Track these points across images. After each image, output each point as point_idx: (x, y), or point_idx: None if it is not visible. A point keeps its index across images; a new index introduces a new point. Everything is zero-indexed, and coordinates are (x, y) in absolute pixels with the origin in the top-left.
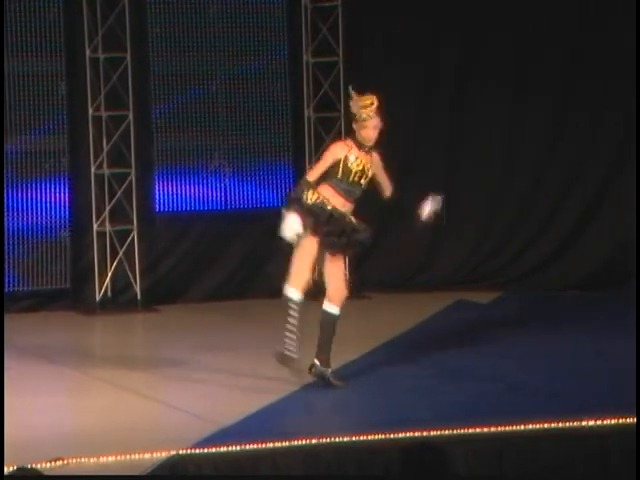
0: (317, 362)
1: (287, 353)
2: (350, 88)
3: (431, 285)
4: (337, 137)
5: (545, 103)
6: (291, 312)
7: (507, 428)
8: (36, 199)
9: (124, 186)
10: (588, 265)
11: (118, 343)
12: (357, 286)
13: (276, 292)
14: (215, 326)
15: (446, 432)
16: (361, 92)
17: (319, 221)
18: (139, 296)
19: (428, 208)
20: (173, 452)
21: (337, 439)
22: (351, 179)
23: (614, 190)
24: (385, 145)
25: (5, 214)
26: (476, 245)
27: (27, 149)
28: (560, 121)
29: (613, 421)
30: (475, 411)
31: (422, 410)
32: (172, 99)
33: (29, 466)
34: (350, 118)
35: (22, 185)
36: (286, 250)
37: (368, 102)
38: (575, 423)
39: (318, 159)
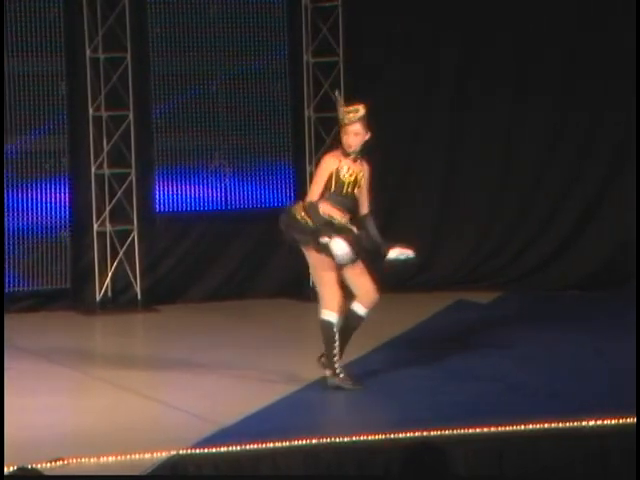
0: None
1: (342, 377)
2: (336, 93)
3: (431, 285)
4: (337, 137)
5: (545, 103)
6: (335, 337)
7: (507, 428)
8: (36, 199)
9: (124, 186)
10: (588, 265)
11: (118, 343)
12: None
13: (276, 292)
14: (215, 326)
15: (446, 432)
16: (354, 101)
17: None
18: (139, 296)
19: (395, 256)
20: (173, 452)
21: (337, 439)
22: (344, 191)
23: (614, 190)
24: (385, 145)
25: (5, 214)
26: (476, 245)
27: (27, 149)
28: (560, 121)
29: (613, 421)
30: (475, 411)
31: (422, 410)
32: (172, 99)
33: (29, 466)
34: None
35: (22, 185)
36: (286, 250)
37: (352, 108)
38: (575, 423)
39: (313, 178)
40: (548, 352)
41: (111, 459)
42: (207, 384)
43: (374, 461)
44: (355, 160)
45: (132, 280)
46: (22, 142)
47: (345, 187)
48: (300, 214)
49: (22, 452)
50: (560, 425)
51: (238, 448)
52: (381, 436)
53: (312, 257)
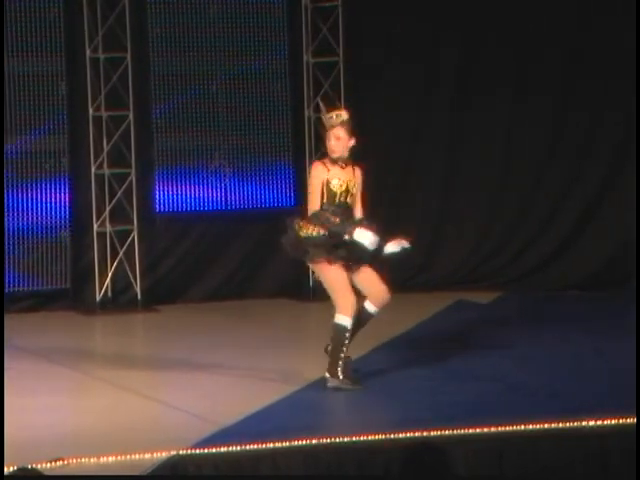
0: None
1: (341, 378)
2: (319, 101)
3: (431, 285)
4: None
5: (545, 103)
6: (346, 342)
7: (507, 428)
8: (36, 199)
9: (124, 186)
10: (588, 265)
11: (118, 343)
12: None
13: (276, 292)
14: (215, 326)
15: (446, 432)
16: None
17: (336, 246)
18: (139, 296)
19: (392, 249)
20: (173, 452)
21: (337, 439)
22: (337, 202)
23: (614, 190)
24: (385, 145)
25: (5, 214)
26: (476, 245)
27: (27, 149)
28: (560, 121)
29: (613, 421)
30: (475, 411)
31: (422, 410)
32: (172, 99)
33: (29, 466)
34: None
35: (22, 185)
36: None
37: (334, 113)
38: (575, 423)
39: (307, 190)
40: (548, 352)
41: (111, 459)
42: (207, 384)
43: (374, 461)
44: (344, 167)
45: (132, 280)
46: (22, 142)
47: (337, 197)
48: (307, 229)
49: (22, 452)
50: (560, 425)
51: (238, 448)
52: (381, 436)
53: (323, 269)
